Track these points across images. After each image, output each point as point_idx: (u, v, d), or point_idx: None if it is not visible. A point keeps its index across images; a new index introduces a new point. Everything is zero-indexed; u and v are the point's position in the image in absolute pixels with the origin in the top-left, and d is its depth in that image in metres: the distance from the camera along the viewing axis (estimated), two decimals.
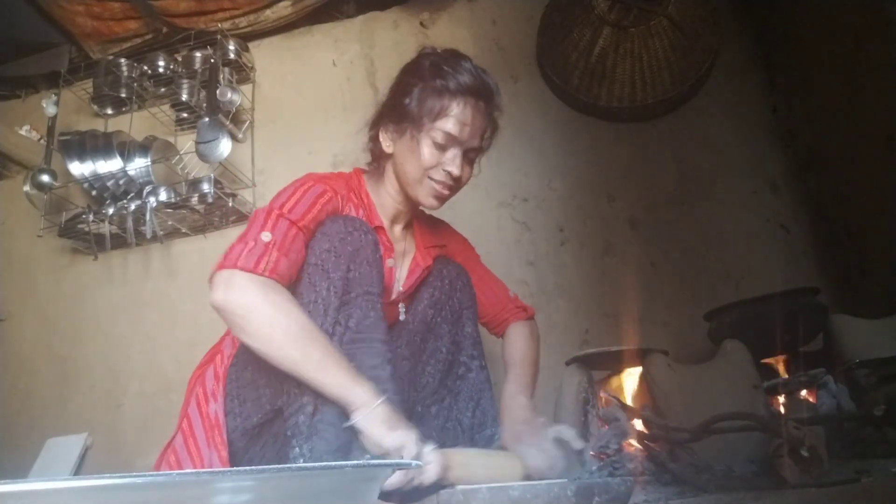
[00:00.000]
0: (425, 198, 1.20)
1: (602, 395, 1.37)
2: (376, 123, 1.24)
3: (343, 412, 0.98)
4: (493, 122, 1.23)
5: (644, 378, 1.33)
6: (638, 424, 1.15)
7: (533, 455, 1.07)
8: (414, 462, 0.71)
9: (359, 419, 0.94)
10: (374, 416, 0.94)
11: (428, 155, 1.15)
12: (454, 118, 1.14)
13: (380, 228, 1.20)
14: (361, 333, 1.03)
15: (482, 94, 1.18)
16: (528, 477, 1.05)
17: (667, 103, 2.09)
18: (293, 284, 1.06)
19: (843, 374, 1.26)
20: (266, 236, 1.01)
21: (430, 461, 0.92)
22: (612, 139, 2.17)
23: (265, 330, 0.96)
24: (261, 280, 0.97)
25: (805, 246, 1.98)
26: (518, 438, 1.14)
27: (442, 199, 1.22)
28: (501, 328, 1.39)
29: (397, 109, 1.18)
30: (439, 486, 0.92)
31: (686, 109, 2.14)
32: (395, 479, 0.88)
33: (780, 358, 1.42)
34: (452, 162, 1.16)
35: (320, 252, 1.04)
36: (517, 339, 1.36)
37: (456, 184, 1.20)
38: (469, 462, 1.01)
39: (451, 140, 1.15)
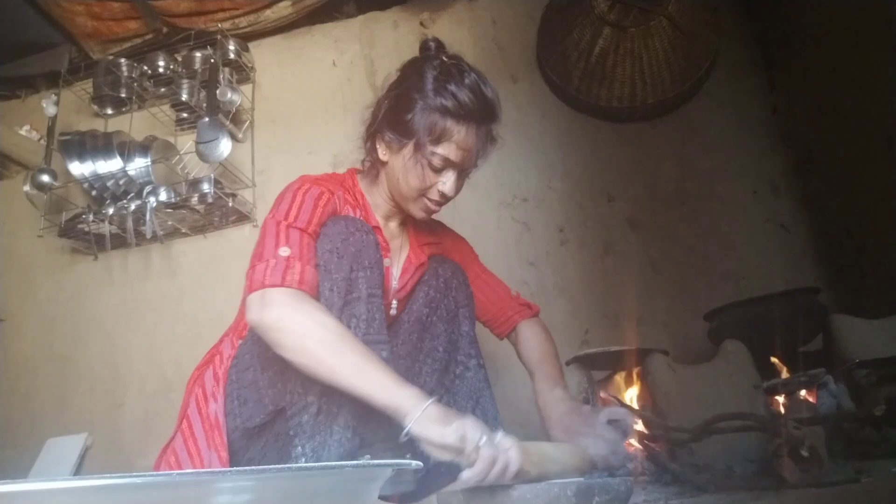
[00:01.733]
0: (416, 212, 1.21)
1: (602, 395, 1.37)
2: (374, 131, 1.21)
3: (354, 417, 0.97)
4: (492, 138, 1.20)
5: (644, 378, 1.33)
6: (638, 424, 1.15)
7: (592, 445, 1.05)
8: (414, 462, 0.70)
9: (413, 426, 0.87)
10: (427, 418, 0.87)
11: (424, 178, 1.14)
12: (455, 144, 1.12)
13: (376, 228, 1.20)
14: (368, 336, 1.03)
15: (484, 118, 1.15)
16: (594, 468, 1.02)
17: (667, 103, 2.09)
18: None
19: (843, 374, 1.26)
20: (284, 251, 1.01)
21: (508, 447, 0.84)
22: (612, 139, 2.17)
23: (301, 342, 0.95)
24: (291, 292, 0.97)
25: (805, 246, 1.98)
26: (572, 431, 1.12)
27: (431, 214, 1.23)
28: (506, 327, 1.38)
29: (396, 123, 1.15)
30: (518, 479, 0.84)
31: (686, 109, 2.14)
32: (475, 471, 0.80)
33: (780, 358, 1.42)
34: (448, 184, 1.16)
35: (322, 253, 1.04)
36: (531, 337, 1.35)
37: (447, 200, 1.20)
38: (544, 454, 0.94)
39: (449, 163, 1.14)
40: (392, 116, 1.17)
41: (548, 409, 1.20)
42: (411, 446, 0.90)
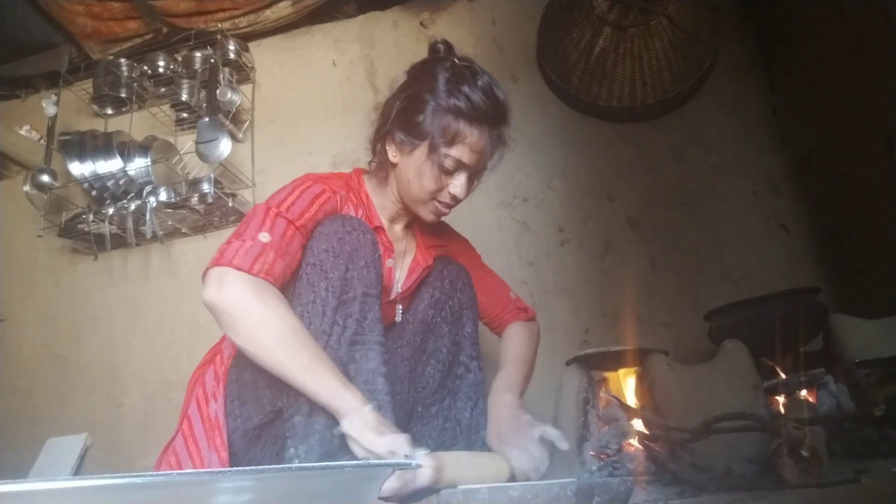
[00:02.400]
0: (426, 214, 1.21)
1: (602, 395, 1.37)
2: (384, 132, 1.20)
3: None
4: (503, 141, 1.20)
5: (644, 378, 1.33)
6: (638, 424, 1.15)
7: (516, 456, 1.07)
8: (414, 462, 0.71)
9: (347, 425, 0.93)
10: (362, 423, 0.93)
11: (436, 180, 1.14)
12: (468, 147, 1.13)
13: (379, 228, 1.19)
14: (360, 335, 1.03)
15: (496, 121, 1.16)
16: (512, 479, 1.05)
17: (667, 103, 2.09)
18: (291, 284, 1.05)
19: (843, 374, 1.26)
20: (264, 237, 1.00)
21: (424, 465, 0.92)
22: (612, 139, 2.17)
23: (254, 331, 0.96)
24: (255, 280, 0.97)
25: (805, 246, 1.98)
26: (502, 438, 1.13)
27: (441, 216, 1.23)
28: (501, 328, 1.40)
29: (408, 124, 1.15)
30: (433, 489, 0.91)
31: (686, 109, 2.14)
32: (391, 485, 0.87)
33: (780, 358, 1.42)
34: (459, 186, 1.16)
35: (318, 252, 1.04)
36: (512, 338, 1.36)
37: (457, 203, 1.20)
38: (460, 464, 1.01)
39: (461, 166, 1.14)
40: (404, 118, 1.16)
41: (491, 410, 1.21)
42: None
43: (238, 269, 0.97)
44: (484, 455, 1.11)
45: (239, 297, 0.96)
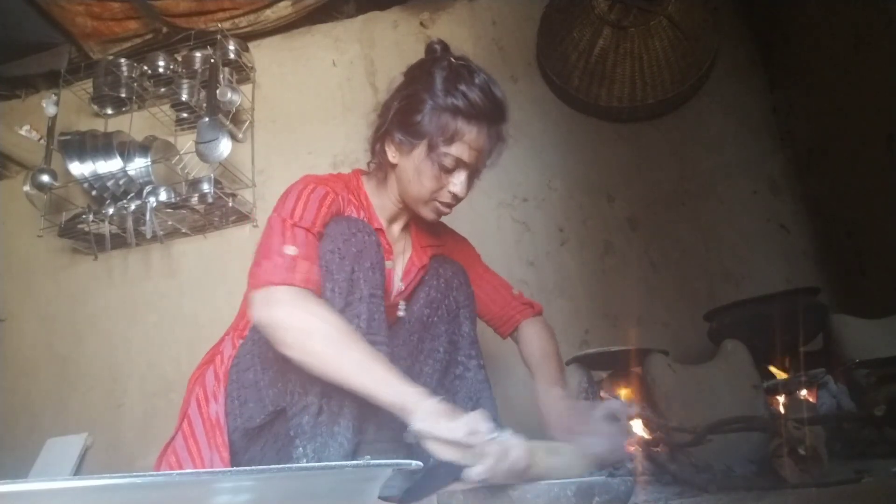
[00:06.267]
0: (427, 214, 1.21)
1: (602, 395, 1.37)
2: (382, 133, 1.20)
3: (355, 417, 0.97)
4: (501, 138, 1.20)
5: (644, 378, 1.33)
6: (638, 425, 1.15)
7: (592, 444, 1.04)
8: (414, 462, 0.70)
9: (419, 422, 0.86)
10: (434, 414, 0.86)
11: (436, 179, 1.14)
12: (467, 145, 1.13)
13: (379, 230, 1.19)
14: (368, 336, 1.03)
15: (495, 118, 1.16)
16: (596, 466, 1.01)
17: (667, 103, 2.09)
18: None
19: (843, 374, 1.26)
20: (291, 250, 1.01)
21: (516, 444, 0.84)
22: (612, 139, 2.17)
23: (306, 340, 0.94)
24: (296, 290, 0.97)
25: (805, 246, 1.98)
26: (571, 430, 1.11)
27: (441, 215, 1.23)
28: (508, 327, 1.38)
29: (407, 124, 1.15)
30: (524, 477, 0.84)
31: (686, 109, 2.14)
32: (485, 467, 0.80)
33: (780, 358, 1.42)
34: (459, 185, 1.16)
35: (324, 253, 1.05)
36: (532, 336, 1.35)
37: (458, 201, 1.20)
38: (549, 454, 0.93)
39: (460, 164, 1.14)
40: (402, 118, 1.16)
41: (546, 409, 1.20)
42: (411, 447, 0.90)
43: (278, 284, 0.97)
44: (564, 445, 1.04)
45: (284, 310, 0.96)
